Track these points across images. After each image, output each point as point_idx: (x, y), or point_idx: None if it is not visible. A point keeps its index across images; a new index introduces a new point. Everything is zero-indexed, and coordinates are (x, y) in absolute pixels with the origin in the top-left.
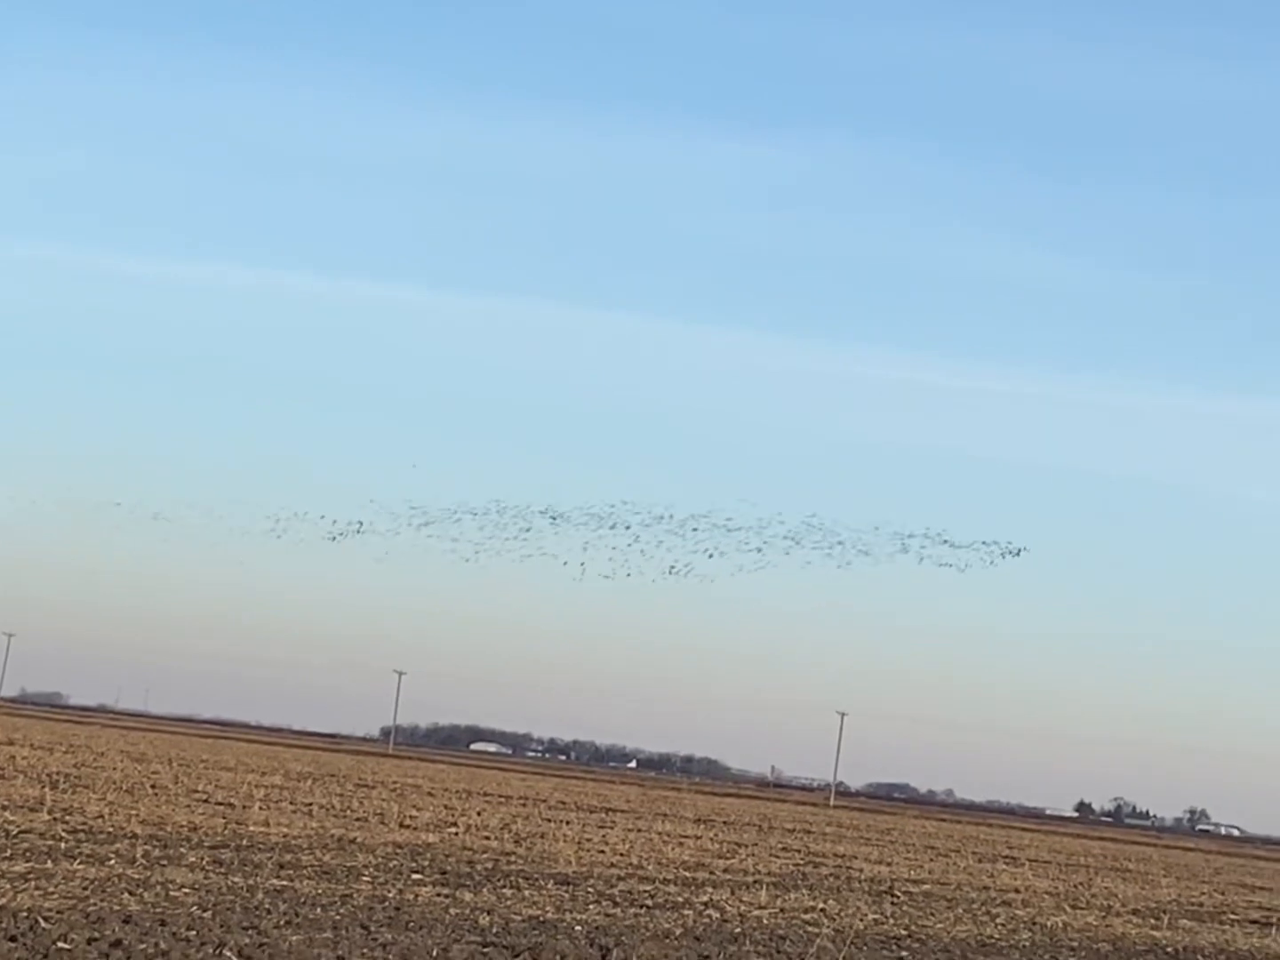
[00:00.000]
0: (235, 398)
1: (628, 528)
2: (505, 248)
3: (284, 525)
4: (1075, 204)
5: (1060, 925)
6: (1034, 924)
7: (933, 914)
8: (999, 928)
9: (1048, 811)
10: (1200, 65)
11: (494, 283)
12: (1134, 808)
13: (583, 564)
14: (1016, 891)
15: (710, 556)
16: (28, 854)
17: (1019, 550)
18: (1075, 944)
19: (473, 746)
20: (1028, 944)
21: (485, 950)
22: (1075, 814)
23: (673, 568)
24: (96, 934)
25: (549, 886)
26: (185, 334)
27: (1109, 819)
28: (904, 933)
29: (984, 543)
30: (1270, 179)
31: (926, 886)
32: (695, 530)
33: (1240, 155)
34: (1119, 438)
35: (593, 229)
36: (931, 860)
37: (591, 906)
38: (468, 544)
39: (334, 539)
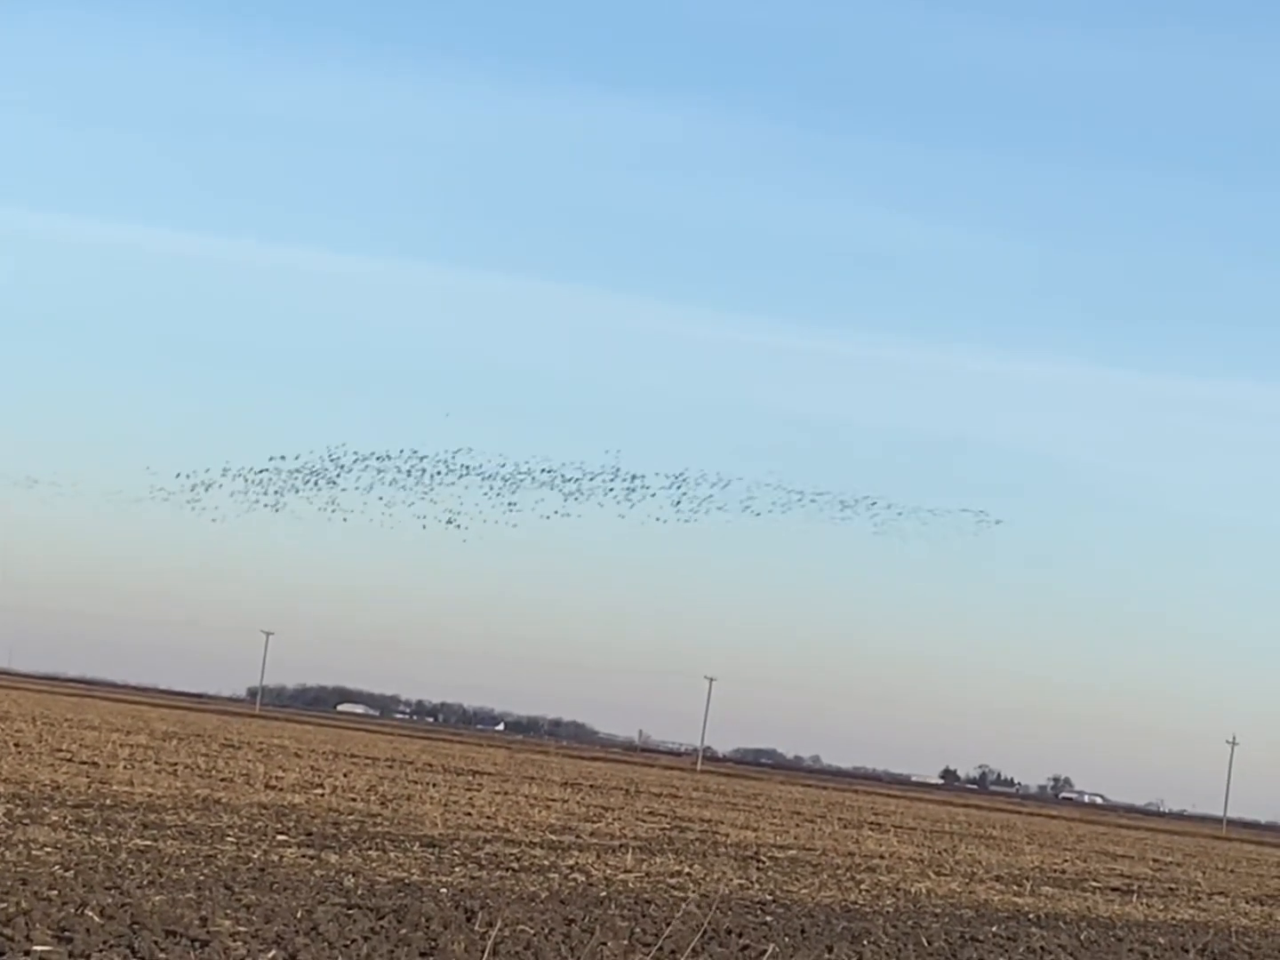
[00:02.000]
0: (89, 360)
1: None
2: (359, 206)
3: (155, 488)
4: (958, 172)
5: (924, 891)
6: (898, 890)
7: (798, 879)
8: (863, 894)
9: (913, 778)
10: (1082, 31)
11: (346, 242)
12: (998, 775)
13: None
14: (881, 858)
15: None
16: None
17: (997, 520)
18: (939, 910)
19: (340, 708)
20: (892, 910)
21: (350, 912)
22: (940, 781)
23: (451, 519)
24: None
25: (415, 849)
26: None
27: (974, 786)
28: (769, 898)
29: (963, 510)
30: (1144, 151)
31: (792, 852)
32: (513, 480)
33: (1118, 125)
34: (1000, 406)
35: (472, 189)
36: (797, 826)
37: (457, 869)
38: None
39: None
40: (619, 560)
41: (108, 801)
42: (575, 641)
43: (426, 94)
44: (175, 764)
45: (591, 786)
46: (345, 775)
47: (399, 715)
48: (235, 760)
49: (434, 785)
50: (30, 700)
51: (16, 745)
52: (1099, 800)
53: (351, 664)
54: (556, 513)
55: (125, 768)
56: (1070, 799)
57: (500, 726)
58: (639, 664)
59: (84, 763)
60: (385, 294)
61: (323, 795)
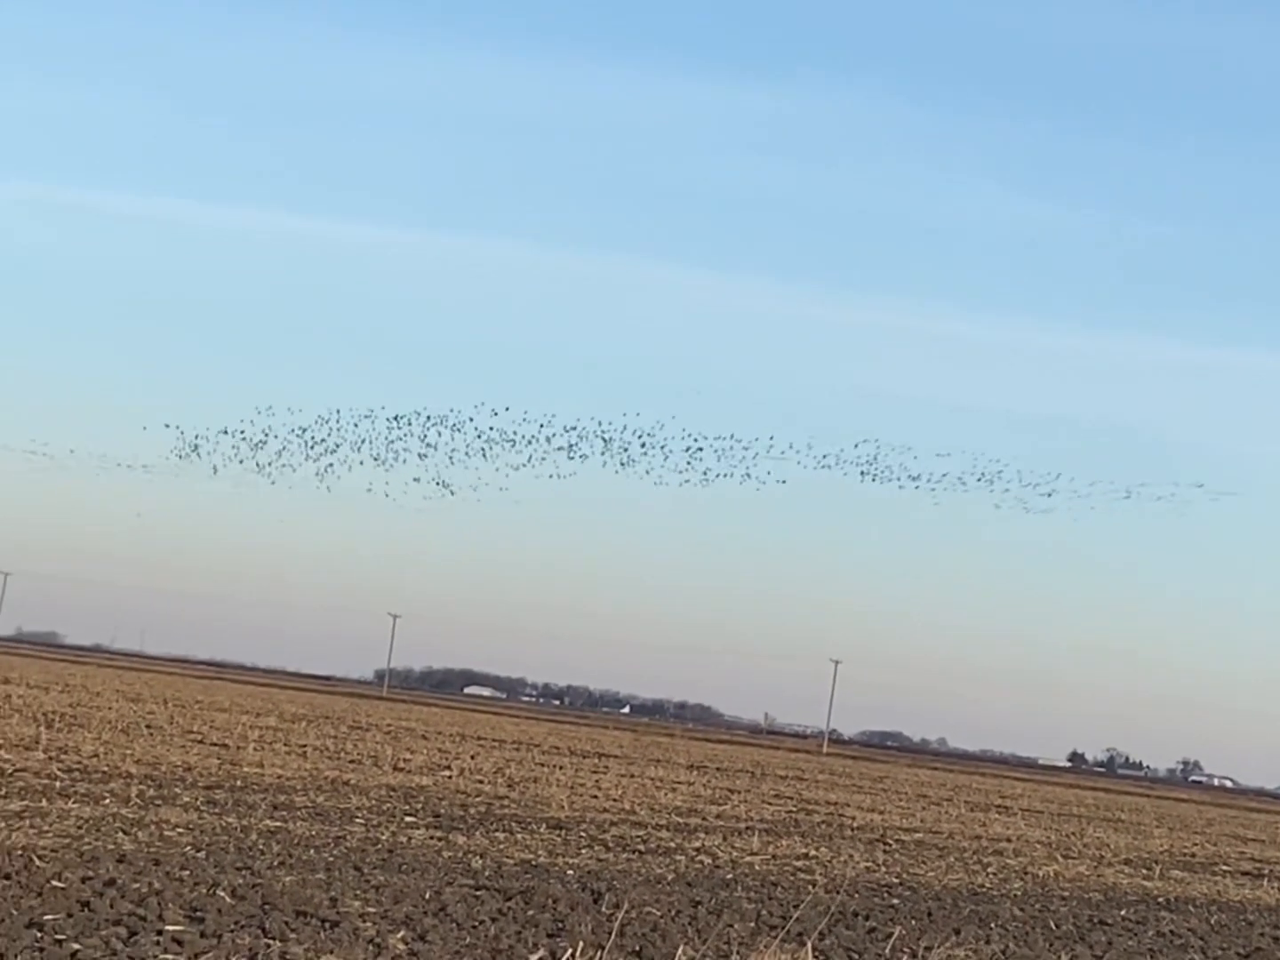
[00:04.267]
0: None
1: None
2: (469, 186)
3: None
4: (1064, 151)
5: (1052, 875)
6: (1026, 873)
7: (925, 862)
8: (991, 877)
9: (1040, 761)
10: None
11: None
12: (1127, 758)
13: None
14: (1008, 841)
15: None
16: (22, 792)
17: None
18: (1067, 893)
19: (467, 690)
20: (1019, 893)
21: (478, 893)
22: (1068, 764)
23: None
24: (90, 873)
25: (542, 830)
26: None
27: (1102, 769)
28: (896, 880)
29: (1198, 485)
30: (1263, 133)
31: (919, 835)
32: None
33: (1237, 107)
34: (1115, 388)
35: (561, 169)
36: (924, 809)
37: (584, 851)
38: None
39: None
40: (744, 542)
41: (238, 783)
42: (701, 624)
43: (516, 70)
44: (304, 746)
45: (717, 769)
46: (472, 757)
47: (525, 698)
48: (363, 742)
49: (560, 768)
50: (161, 682)
51: (148, 727)
52: (1229, 783)
53: (478, 647)
54: (685, 482)
55: (255, 749)
56: (1200, 782)
57: (626, 709)
58: (764, 647)
59: (214, 744)
60: (465, 266)
61: (450, 777)
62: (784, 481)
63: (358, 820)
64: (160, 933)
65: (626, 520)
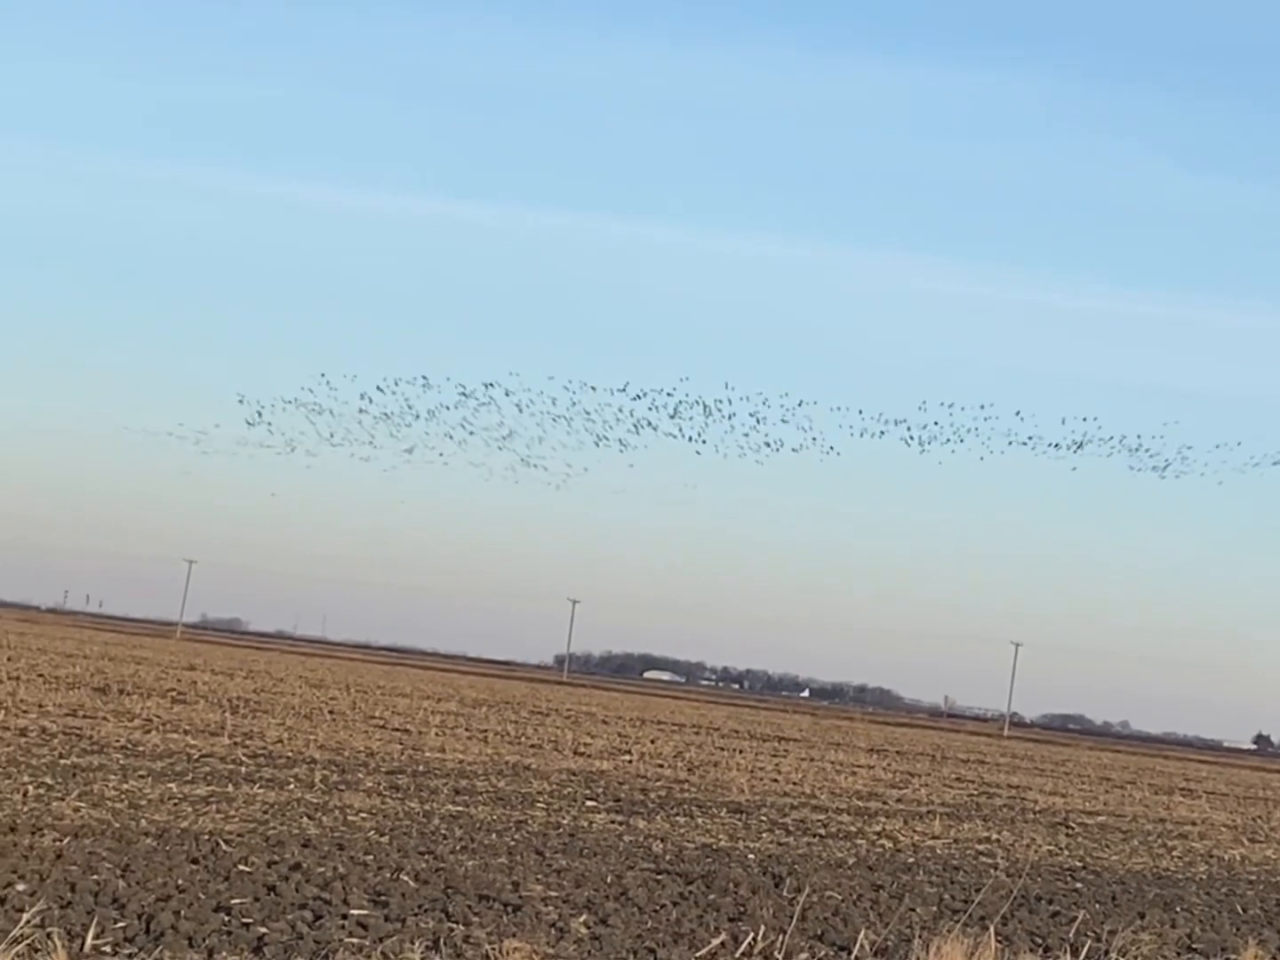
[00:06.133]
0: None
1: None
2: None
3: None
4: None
5: (1238, 858)
6: (1211, 857)
7: (1108, 846)
8: (1175, 860)
9: (1225, 744)
10: None
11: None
12: None
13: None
14: (1193, 824)
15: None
16: (209, 778)
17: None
18: (1254, 877)
19: (646, 675)
20: (1205, 877)
21: (659, 877)
22: (1253, 746)
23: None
24: (276, 857)
25: (722, 814)
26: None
27: None
28: (1079, 864)
29: None
30: None
31: (1102, 818)
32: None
33: None
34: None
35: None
36: (1107, 792)
37: (764, 835)
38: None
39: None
40: (923, 526)
41: (420, 768)
42: (880, 607)
43: (694, 61)
44: (485, 731)
45: (897, 752)
46: (652, 742)
47: (704, 682)
48: (544, 727)
49: (740, 751)
50: (344, 669)
51: (332, 713)
52: None
53: (657, 631)
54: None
55: (437, 735)
56: None
57: (805, 693)
58: (945, 629)
59: (396, 730)
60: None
61: (630, 762)
62: (981, 459)
63: (539, 805)
64: (345, 916)
65: (806, 503)
